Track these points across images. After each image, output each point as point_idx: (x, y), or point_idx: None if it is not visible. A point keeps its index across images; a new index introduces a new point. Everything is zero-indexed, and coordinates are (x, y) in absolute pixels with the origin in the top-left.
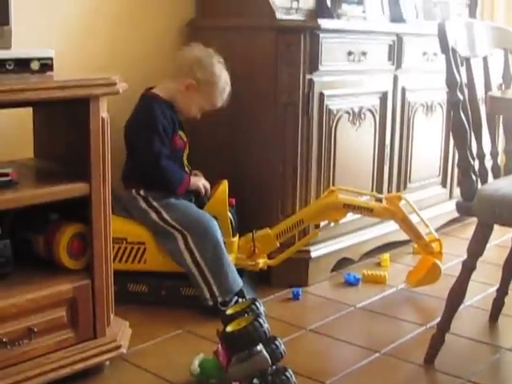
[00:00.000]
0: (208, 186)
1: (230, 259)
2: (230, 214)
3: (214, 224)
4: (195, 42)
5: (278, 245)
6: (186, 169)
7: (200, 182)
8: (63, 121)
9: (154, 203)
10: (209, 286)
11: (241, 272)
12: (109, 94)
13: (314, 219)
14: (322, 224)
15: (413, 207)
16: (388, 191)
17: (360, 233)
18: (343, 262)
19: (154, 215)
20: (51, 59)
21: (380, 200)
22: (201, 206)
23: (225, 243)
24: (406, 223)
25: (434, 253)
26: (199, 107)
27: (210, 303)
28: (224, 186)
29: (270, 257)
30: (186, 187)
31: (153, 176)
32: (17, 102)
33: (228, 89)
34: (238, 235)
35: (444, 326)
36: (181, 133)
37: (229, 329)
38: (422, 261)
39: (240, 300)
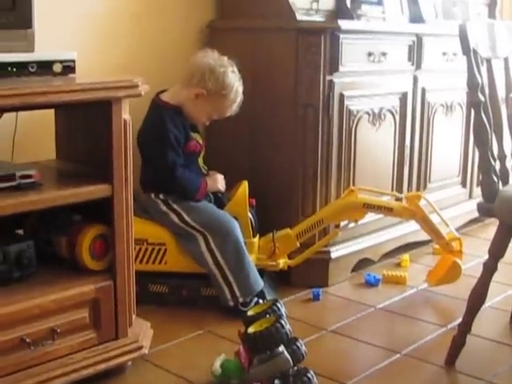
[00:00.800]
0: (224, 184)
1: (251, 259)
2: (250, 215)
3: (235, 224)
4: (210, 49)
5: (299, 245)
6: (203, 170)
7: (218, 183)
8: (85, 123)
9: (175, 206)
10: (230, 286)
11: (261, 272)
12: (131, 97)
13: (333, 219)
14: (342, 224)
15: (433, 206)
16: (408, 191)
17: (380, 233)
18: (363, 263)
19: (174, 217)
20: (73, 61)
21: (400, 199)
22: (221, 206)
23: (245, 244)
24: (426, 222)
25: (455, 252)
26: (208, 116)
27: (231, 304)
28: (244, 186)
29: (290, 257)
30: (204, 193)
31: (169, 186)
32: (39, 105)
33: (239, 99)
34: (258, 236)
35: (465, 327)
36: (196, 136)
37: (251, 330)
38: (442, 260)
39: (260, 301)
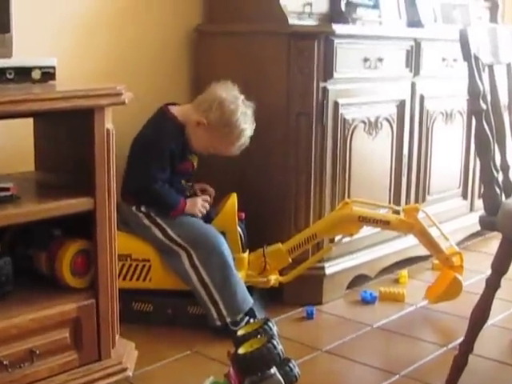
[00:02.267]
0: (207, 206)
1: (240, 276)
2: (239, 229)
3: (221, 240)
4: (230, 82)
5: (291, 260)
6: (185, 186)
7: (195, 207)
8: (66, 132)
9: (158, 219)
10: (216, 305)
11: (251, 289)
12: (114, 105)
13: (327, 233)
14: (337, 238)
15: (431, 219)
16: (406, 204)
17: (377, 248)
18: (359, 279)
19: (157, 232)
20: (53, 68)
21: (397, 212)
22: (208, 220)
23: (234, 259)
24: (424, 236)
25: (455, 267)
26: (204, 147)
27: (218, 323)
28: (233, 199)
29: (281, 273)
30: (179, 212)
31: (142, 197)
32: (18, 113)
33: (242, 142)
34: (247, 251)
35: (467, 346)
36: (193, 158)
37: (241, 351)
38: (442, 275)
39: (251, 320)
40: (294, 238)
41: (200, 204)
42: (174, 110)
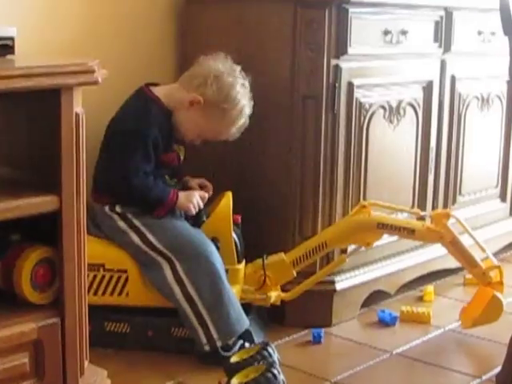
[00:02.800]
0: (201, 204)
1: (234, 292)
2: (234, 235)
3: (211, 247)
4: (221, 53)
5: (295, 274)
6: (169, 184)
7: (190, 202)
8: (26, 117)
9: (136, 222)
10: (205, 326)
11: (247, 308)
12: (85, 85)
13: (340, 242)
14: (350, 248)
15: (465, 227)
16: (433, 206)
17: (397, 259)
18: (376, 296)
19: (135, 237)
20: (12, 39)
21: (423, 218)
22: (198, 223)
23: (227, 271)
24: (456, 247)
25: (493, 283)
26: (199, 132)
27: (207, 349)
28: (227, 199)
29: (284, 289)
30: (169, 207)
31: (122, 194)
32: None
33: (242, 122)
34: (244, 261)
35: (505, 378)
36: (179, 149)
37: (235, 381)
38: (479, 294)
39: (247, 344)
40: (300, 247)
41: (196, 199)
42: (156, 90)
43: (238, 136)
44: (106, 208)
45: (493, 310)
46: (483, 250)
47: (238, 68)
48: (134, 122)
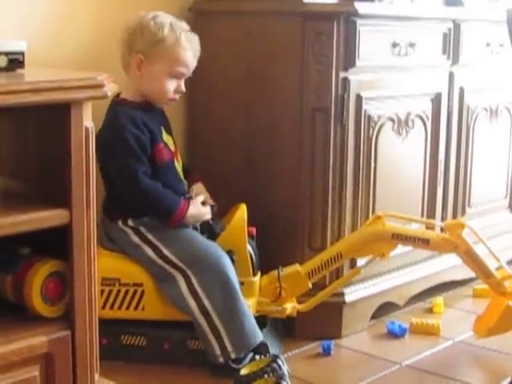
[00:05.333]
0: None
1: (249, 304)
2: (249, 247)
3: (226, 260)
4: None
5: (311, 286)
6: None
7: (201, 208)
8: (36, 131)
9: (149, 235)
10: (220, 339)
11: (263, 320)
12: (94, 99)
13: (355, 253)
14: (365, 260)
15: (479, 237)
16: (442, 218)
17: (406, 270)
18: (385, 308)
19: (149, 251)
20: (22, 54)
21: (436, 228)
22: (212, 236)
23: (242, 284)
24: (471, 257)
25: (508, 293)
26: (169, 81)
27: (221, 360)
28: (242, 211)
29: (298, 301)
30: (181, 217)
31: (134, 203)
32: None
33: (184, 32)
34: (259, 273)
35: None
36: (166, 139)
37: None
38: (493, 304)
39: (257, 357)
40: (315, 258)
41: (203, 218)
42: (122, 94)
43: (195, 64)
44: (119, 223)
45: (508, 320)
46: (497, 259)
47: (140, 13)
48: (109, 134)
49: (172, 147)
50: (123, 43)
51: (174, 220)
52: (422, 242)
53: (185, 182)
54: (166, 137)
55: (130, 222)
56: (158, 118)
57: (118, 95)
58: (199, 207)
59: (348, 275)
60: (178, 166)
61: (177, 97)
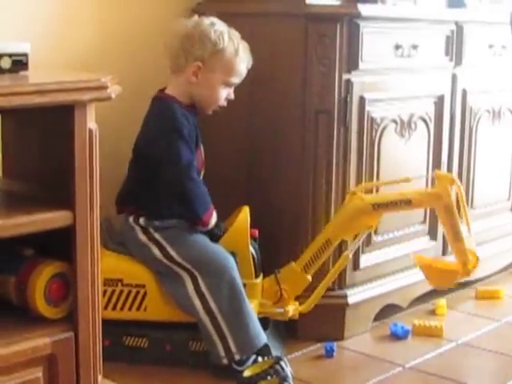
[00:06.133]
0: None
1: (252, 306)
2: (252, 249)
3: (232, 262)
4: (175, 21)
5: (310, 279)
6: None
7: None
8: (40, 132)
9: (156, 235)
10: (224, 340)
11: (265, 322)
12: (98, 100)
13: (342, 234)
14: (351, 249)
15: (462, 199)
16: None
17: (409, 272)
18: (388, 310)
19: (156, 251)
20: (26, 55)
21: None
22: (215, 238)
23: (245, 286)
24: (449, 214)
25: (466, 267)
26: (220, 91)
27: (225, 362)
28: (245, 213)
29: (298, 299)
30: (209, 220)
31: (179, 192)
32: None
33: (240, 43)
34: (261, 275)
35: None
36: (202, 149)
37: None
38: (452, 263)
39: (260, 358)
40: (307, 251)
41: None
42: (169, 91)
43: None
44: (130, 219)
45: (446, 278)
46: (469, 229)
47: (195, 16)
48: (162, 124)
49: (203, 156)
50: (178, 47)
51: (205, 221)
52: (405, 203)
53: None
54: (201, 145)
55: (142, 221)
56: (199, 126)
57: (162, 90)
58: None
59: (338, 265)
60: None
61: (225, 104)
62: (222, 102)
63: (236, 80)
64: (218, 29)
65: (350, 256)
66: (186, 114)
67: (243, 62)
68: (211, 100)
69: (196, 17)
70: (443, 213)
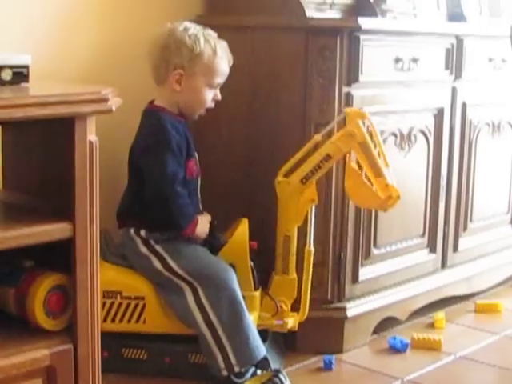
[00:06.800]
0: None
1: (252, 319)
2: (250, 262)
3: (232, 274)
4: (154, 33)
5: (295, 276)
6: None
7: (205, 229)
8: (40, 144)
9: (157, 247)
10: (223, 351)
11: (264, 334)
12: (99, 113)
13: (294, 222)
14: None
15: (375, 131)
16: (444, 233)
17: (408, 286)
18: (387, 323)
19: (156, 263)
20: (27, 67)
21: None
22: (214, 250)
23: (244, 298)
24: (365, 150)
25: (386, 201)
26: (205, 93)
27: (225, 373)
28: (244, 225)
29: (294, 308)
30: (192, 231)
31: (161, 205)
32: None
33: (217, 43)
34: (260, 288)
35: None
36: (196, 157)
37: None
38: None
39: (259, 371)
40: (275, 256)
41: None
42: (158, 103)
43: (228, 70)
44: (131, 231)
45: (364, 195)
46: (387, 164)
47: (171, 24)
48: (151, 135)
49: (198, 165)
50: (156, 58)
51: (188, 231)
52: (326, 161)
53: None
54: (194, 154)
55: (143, 233)
56: (190, 133)
57: (151, 102)
58: (206, 224)
59: (307, 262)
60: (198, 186)
61: (213, 105)
62: (210, 104)
63: (220, 80)
64: (193, 33)
65: (312, 249)
66: (175, 123)
67: (223, 61)
68: (199, 104)
69: (169, 24)
70: (359, 150)
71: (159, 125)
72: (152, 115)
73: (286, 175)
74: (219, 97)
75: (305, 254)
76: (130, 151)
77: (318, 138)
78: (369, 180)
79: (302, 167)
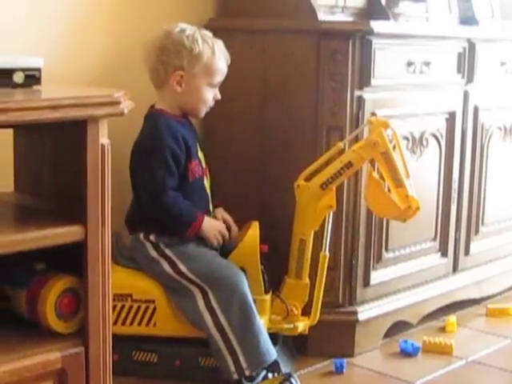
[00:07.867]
0: (226, 235)
1: (262, 322)
2: (261, 265)
3: (243, 278)
4: (149, 38)
5: (308, 281)
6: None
7: (214, 230)
8: (52, 147)
9: (167, 251)
10: (234, 355)
11: (275, 338)
12: (111, 116)
13: (311, 227)
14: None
15: (398, 142)
16: (455, 237)
17: (419, 290)
18: (398, 327)
19: (166, 266)
20: (39, 70)
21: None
22: (225, 253)
23: (255, 302)
24: (387, 160)
25: (406, 212)
26: (205, 93)
27: (235, 377)
28: (254, 228)
29: (304, 312)
30: (196, 229)
31: (156, 213)
32: None
33: (215, 42)
34: (271, 291)
35: None
36: (200, 155)
37: None
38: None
39: (270, 375)
40: (289, 259)
41: (219, 230)
42: (158, 105)
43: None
44: (141, 235)
45: (388, 208)
46: (408, 175)
47: (167, 27)
48: (147, 143)
49: (204, 164)
50: (155, 61)
51: (191, 231)
52: (347, 168)
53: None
54: (199, 153)
55: (152, 237)
56: (193, 133)
57: (152, 106)
58: (213, 220)
59: (321, 267)
60: (207, 182)
61: (213, 104)
62: (211, 103)
63: (219, 79)
64: (190, 34)
65: (327, 254)
66: (175, 125)
67: (221, 60)
68: (200, 104)
69: (164, 27)
70: (382, 160)
71: (154, 131)
72: (150, 120)
73: (307, 179)
74: (219, 96)
75: (319, 258)
76: (131, 153)
77: (340, 145)
78: (388, 189)
79: (323, 173)
